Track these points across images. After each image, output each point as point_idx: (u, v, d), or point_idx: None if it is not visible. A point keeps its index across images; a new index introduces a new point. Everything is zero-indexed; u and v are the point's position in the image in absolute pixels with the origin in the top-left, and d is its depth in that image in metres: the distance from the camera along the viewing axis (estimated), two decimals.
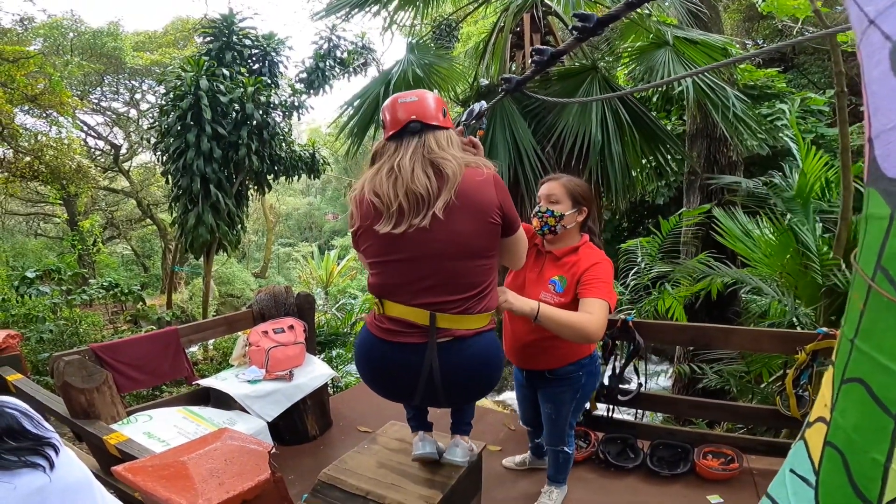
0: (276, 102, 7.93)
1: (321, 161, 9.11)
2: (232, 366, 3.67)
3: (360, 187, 1.61)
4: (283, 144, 8.42)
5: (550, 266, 2.10)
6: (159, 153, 8.12)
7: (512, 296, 1.81)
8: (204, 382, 3.33)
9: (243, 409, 3.09)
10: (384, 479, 1.91)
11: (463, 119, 1.90)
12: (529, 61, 1.42)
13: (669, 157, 4.65)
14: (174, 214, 8.13)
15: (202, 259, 8.84)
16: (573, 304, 1.98)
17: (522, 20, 4.38)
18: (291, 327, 3.66)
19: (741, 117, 4.02)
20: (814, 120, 8.38)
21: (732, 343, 2.99)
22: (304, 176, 9.33)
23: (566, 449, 2.33)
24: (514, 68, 4.47)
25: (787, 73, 9.88)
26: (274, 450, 1.93)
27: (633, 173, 4.34)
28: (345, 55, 9.16)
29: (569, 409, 2.22)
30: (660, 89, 5.27)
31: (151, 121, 9.94)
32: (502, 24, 4.32)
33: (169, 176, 7.86)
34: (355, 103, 4.75)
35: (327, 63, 8.96)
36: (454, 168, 1.52)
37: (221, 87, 7.19)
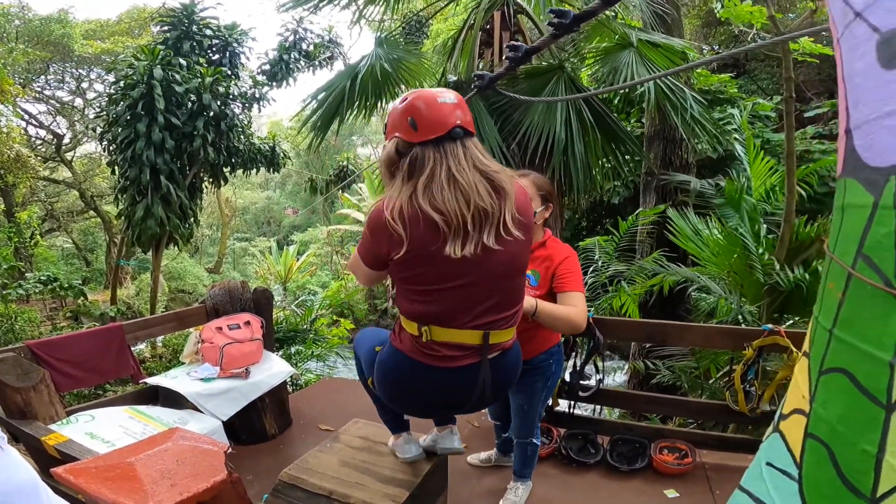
0: (236, 94, 7.70)
1: (281, 154, 8.90)
2: (183, 363, 3.51)
3: (403, 203, 1.35)
4: (242, 136, 8.17)
5: None
6: (106, 143, 7.76)
7: None
8: (152, 381, 3.17)
9: (196, 409, 2.96)
10: (348, 478, 1.85)
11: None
12: (504, 57, 1.38)
13: (628, 157, 4.75)
14: (121, 206, 7.77)
15: (150, 253, 8.48)
16: (548, 297, 2.03)
17: (493, 18, 4.38)
18: (248, 323, 3.54)
19: (699, 120, 4.15)
20: (761, 125, 8.80)
21: (687, 339, 3.07)
22: (263, 169, 9.10)
23: (535, 441, 2.35)
24: (482, 66, 4.46)
25: (738, 78, 10.31)
26: (230, 450, 1.85)
27: (593, 172, 4.41)
28: (311, 48, 8.98)
29: (540, 398, 2.24)
30: (622, 91, 5.38)
31: (98, 110, 9.49)
32: (472, 22, 4.31)
33: (116, 166, 7.53)
34: (320, 96, 4.63)
35: (292, 55, 8.78)
36: (508, 183, 1.42)
37: (177, 76, 6.95)
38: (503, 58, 1.35)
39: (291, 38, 8.83)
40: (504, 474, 2.66)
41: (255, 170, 9.10)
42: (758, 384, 2.90)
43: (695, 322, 5.50)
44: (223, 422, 2.91)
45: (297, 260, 18.97)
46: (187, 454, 1.75)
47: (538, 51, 1.35)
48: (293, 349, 4.90)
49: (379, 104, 4.59)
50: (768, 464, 0.86)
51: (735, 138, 6.07)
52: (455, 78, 4.49)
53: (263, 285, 6.03)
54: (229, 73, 7.98)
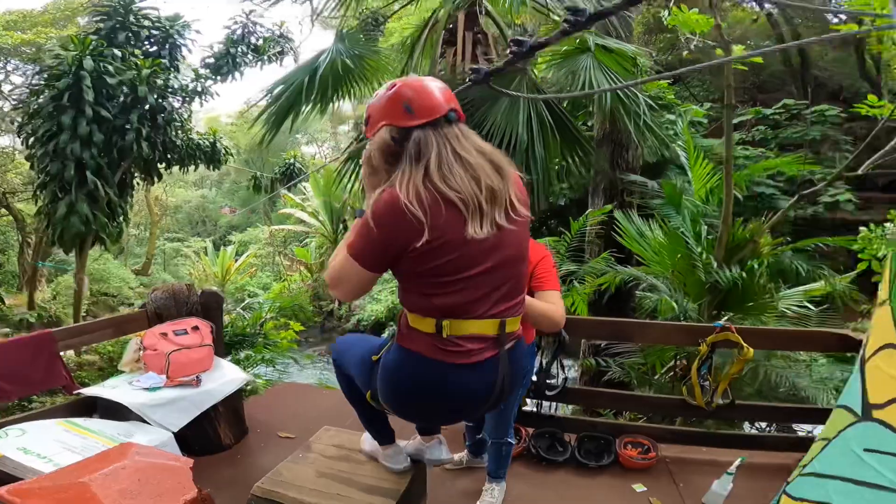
0: (176, 87, 7.26)
1: (223, 151, 8.48)
2: (122, 372, 3.26)
3: (419, 187, 1.28)
4: (180, 132, 7.72)
5: None
6: (24, 136, 7.11)
7: None
8: (88, 391, 2.92)
9: (142, 420, 2.74)
10: (328, 490, 1.76)
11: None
12: (508, 51, 1.35)
13: (579, 160, 4.87)
14: (39, 203, 7.13)
15: (73, 254, 7.84)
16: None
17: (457, 18, 4.36)
18: (196, 328, 3.33)
19: (650, 125, 4.31)
20: (693, 131, 9.33)
21: (648, 336, 3.18)
22: (198, 167, 8.62)
23: (510, 440, 2.35)
24: (443, 66, 4.44)
25: (673, 85, 10.88)
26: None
27: (550, 174, 4.49)
28: (260, 42, 8.61)
29: (517, 396, 2.24)
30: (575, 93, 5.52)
31: (15, 102, 8.70)
32: (436, 20, 4.27)
33: (35, 161, 6.90)
34: (276, 90, 4.45)
35: (239, 49, 8.37)
36: (507, 162, 1.39)
37: (110, 67, 6.47)
38: (508, 52, 1.30)
39: (240, 32, 8.44)
40: (477, 475, 2.64)
41: (193, 166, 8.63)
42: (711, 378, 3.04)
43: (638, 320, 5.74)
44: (174, 433, 2.71)
45: (236, 261, 18.21)
46: (149, 472, 1.60)
47: (543, 47, 1.34)
48: (242, 354, 4.67)
49: (337, 99, 4.47)
50: (868, 450, 0.83)
51: (678, 144, 6.37)
52: (417, 76, 4.44)
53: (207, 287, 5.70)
54: (168, 65, 7.52)
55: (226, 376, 3.17)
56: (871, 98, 5.63)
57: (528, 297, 1.89)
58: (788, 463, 2.88)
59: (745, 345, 2.85)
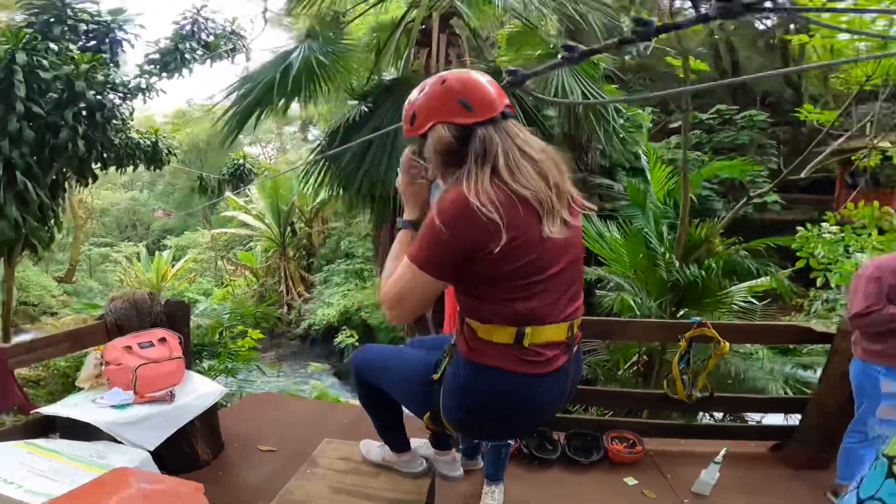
0: (117, 83, 6.81)
1: (165, 150, 8.03)
2: (81, 389, 3.01)
3: (488, 186, 1.20)
4: (119, 130, 7.26)
5: None
6: None
7: None
8: (47, 410, 2.69)
9: (112, 439, 2.55)
10: None
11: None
12: (560, 57, 1.34)
13: None
14: None
15: (1, 261, 7.20)
16: None
17: (432, 19, 4.33)
18: (163, 340, 3.12)
19: (617, 130, 4.47)
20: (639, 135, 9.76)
21: (629, 334, 3.28)
22: (129, 168, 8.13)
23: (509, 441, 2.34)
24: (416, 67, 4.41)
25: (619, 90, 11.35)
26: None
27: None
28: (210, 38, 8.21)
29: None
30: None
31: None
32: (411, 20, 4.22)
33: None
34: (244, 88, 4.26)
35: (188, 45, 7.95)
36: (560, 159, 1.34)
37: (44, 62, 5.99)
38: (560, 57, 1.28)
39: (189, 27, 8.02)
40: (473, 478, 2.63)
41: (132, 167, 8.13)
42: (689, 373, 3.18)
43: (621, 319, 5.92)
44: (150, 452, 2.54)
45: (173, 266, 17.29)
46: (160, 499, 1.48)
47: (596, 53, 1.32)
48: (205, 364, 4.44)
49: (310, 96, 4.33)
50: None
51: (628, 148, 6.62)
52: (391, 76, 4.39)
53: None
54: (109, 60, 7.06)
55: (200, 389, 2.99)
56: (808, 106, 6.11)
57: None
58: (762, 451, 3.07)
59: (721, 339, 2.99)
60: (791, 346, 5.64)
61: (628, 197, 5.53)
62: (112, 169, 7.99)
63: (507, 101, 1.32)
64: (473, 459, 2.74)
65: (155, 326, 3.21)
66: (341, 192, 4.52)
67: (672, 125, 13.64)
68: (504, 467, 2.43)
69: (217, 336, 4.90)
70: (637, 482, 2.70)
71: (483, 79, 1.33)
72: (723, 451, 2.67)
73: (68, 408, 2.67)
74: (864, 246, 5.86)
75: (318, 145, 4.62)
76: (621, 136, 4.71)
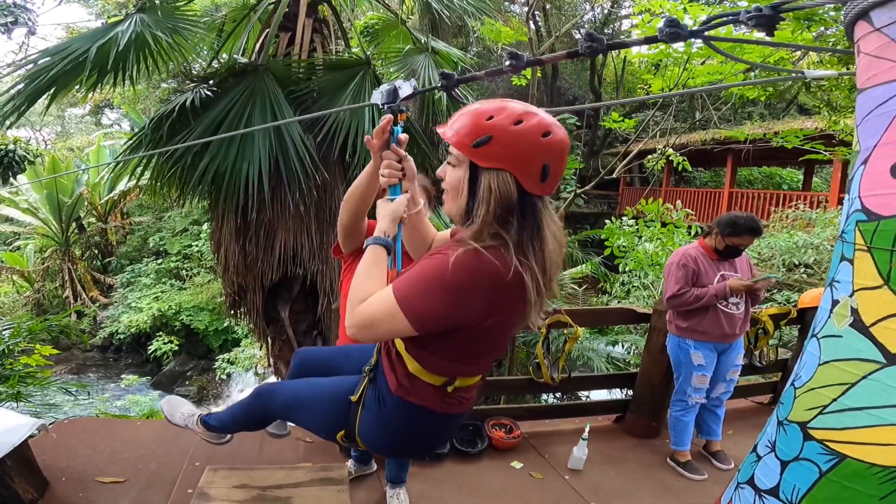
0: None
1: None
2: None
3: (516, 263, 1.06)
4: None
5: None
6: None
7: None
8: None
9: None
10: None
11: (383, 101, 1.34)
12: (507, 63, 1.30)
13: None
14: None
15: None
16: None
17: (299, 3, 3.96)
18: None
19: None
20: None
21: None
22: None
23: None
24: (272, 51, 4.00)
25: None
26: None
27: None
28: None
29: None
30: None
31: None
32: (273, 0, 3.79)
33: None
34: (41, 62, 3.40)
35: None
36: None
37: None
38: (506, 63, 1.22)
39: None
40: (369, 484, 2.54)
41: None
42: (550, 357, 3.47)
43: None
44: None
45: None
46: None
47: (542, 63, 1.32)
48: None
49: (137, 75, 3.65)
50: None
51: None
52: (245, 60, 3.90)
53: None
54: None
55: (1, 425, 2.36)
56: (614, 115, 7.15)
57: None
58: (607, 424, 3.50)
59: (573, 324, 3.32)
60: (604, 327, 6.54)
61: None
62: None
63: None
64: (366, 465, 2.64)
65: None
66: (177, 182, 3.92)
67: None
68: (407, 469, 2.37)
69: None
70: (522, 465, 2.86)
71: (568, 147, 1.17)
72: (587, 428, 2.95)
73: None
74: (651, 236, 7.07)
75: (142, 130, 3.93)
76: None
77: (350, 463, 2.62)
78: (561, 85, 17.33)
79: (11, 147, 7.92)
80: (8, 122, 3.79)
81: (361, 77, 3.90)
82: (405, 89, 1.33)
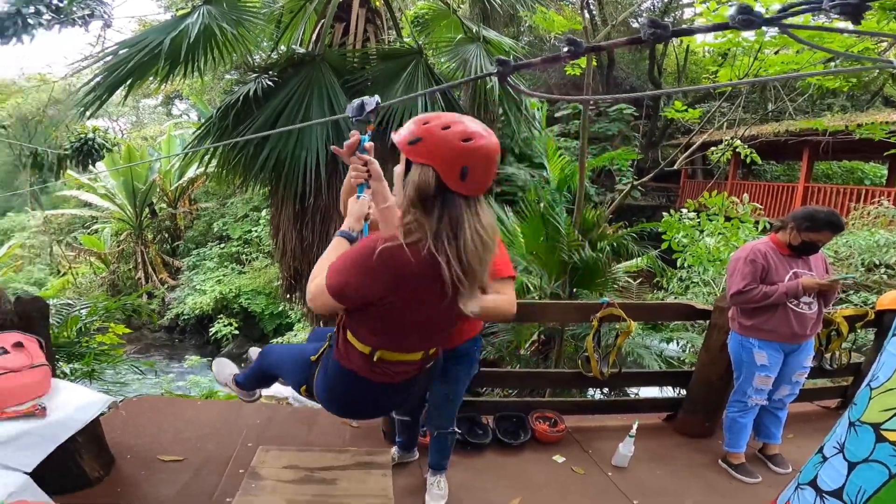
0: None
1: None
2: None
3: (428, 248, 1.25)
4: None
5: None
6: None
7: None
8: None
9: None
10: None
11: (353, 114, 1.55)
12: (566, 50, 1.26)
13: None
14: None
15: None
16: None
17: None
18: (19, 345, 2.58)
19: (526, 117, 4.57)
20: None
21: (548, 315, 3.38)
22: None
23: (456, 430, 2.30)
24: (328, 41, 4.07)
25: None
26: None
27: None
28: (63, 2, 6.76)
29: (464, 385, 2.20)
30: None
31: None
32: None
33: None
34: (121, 52, 3.61)
35: (34, 8, 6.45)
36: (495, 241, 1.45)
37: None
38: (564, 50, 1.19)
39: None
40: (410, 470, 2.57)
41: None
42: (600, 351, 3.37)
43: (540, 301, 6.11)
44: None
45: None
46: None
47: (600, 50, 1.27)
48: (67, 368, 3.76)
49: (206, 66, 3.81)
50: None
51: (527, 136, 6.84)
52: (303, 51, 4.00)
53: None
54: None
55: (77, 400, 2.52)
56: (677, 104, 6.83)
57: (483, 299, 1.82)
58: (655, 422, 3.37)
59: (627, 318, 3.20)
60: (659, 322, 6.30)
61: (517, 181, 5.72)
62: None
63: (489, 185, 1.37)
64: (409, 451, 2.66)
65: (4, 329, 2.64)
66: (241, 170, 4.07)
67: (556, 114, 14.47)
68: (448, 456, 2.37)
69: (75, 334, 4.18)
70: (564, 459, 2.81)
71: (496, 158, 1.33)
72: (635, 425, 2.86)
73: None
74: (713, 231, 6.74)
75: (209, 120, 4.10)
76: (531, 122, 4.83)
77: (394, 450, 2.66)
78: (618, 75, 16.73)
79: (91, 136, 8.48)
80: (88, 112, 4.05)
81: (414, 66, 3.92)
82: (370, 104, 1.54)
